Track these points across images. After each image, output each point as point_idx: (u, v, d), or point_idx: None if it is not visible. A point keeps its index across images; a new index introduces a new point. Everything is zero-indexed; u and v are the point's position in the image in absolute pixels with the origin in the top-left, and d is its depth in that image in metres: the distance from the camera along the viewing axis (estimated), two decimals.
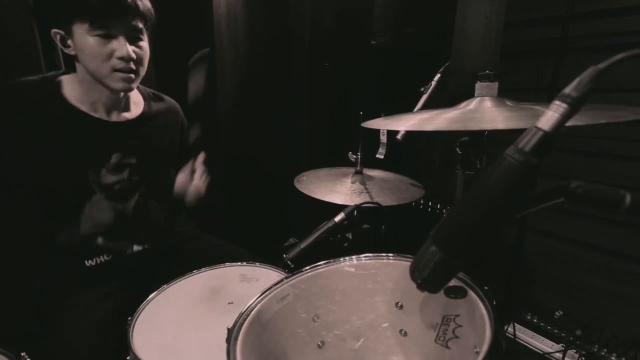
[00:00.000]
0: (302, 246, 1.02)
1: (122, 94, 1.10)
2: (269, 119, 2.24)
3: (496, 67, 1.75)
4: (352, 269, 0.88)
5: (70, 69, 1.23)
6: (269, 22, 2.15)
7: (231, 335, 0.66)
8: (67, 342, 0.97)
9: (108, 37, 0.94)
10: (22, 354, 0.92)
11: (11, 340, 0.96)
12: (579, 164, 1.53)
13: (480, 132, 0.94)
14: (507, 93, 0.92)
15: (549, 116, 0.44)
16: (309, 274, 0.84)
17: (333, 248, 1.24)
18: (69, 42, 0.96)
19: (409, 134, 1.26)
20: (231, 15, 2.00)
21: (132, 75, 1.01)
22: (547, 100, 1.46)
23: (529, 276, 1.73)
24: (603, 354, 1.43)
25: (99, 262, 1.13)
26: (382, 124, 0.96)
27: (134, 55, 0.99)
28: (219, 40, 1.97)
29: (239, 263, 1.24)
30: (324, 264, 0.88)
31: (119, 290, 1.11)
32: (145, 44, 1.03)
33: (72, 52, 0.98)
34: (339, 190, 1.30)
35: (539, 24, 1.61)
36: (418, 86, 1.43)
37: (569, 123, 0.44)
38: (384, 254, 0.86)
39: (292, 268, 1.06)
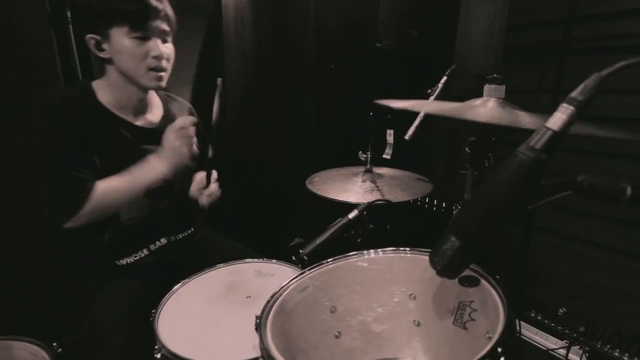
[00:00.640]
0: (317, 242, 1.06)
1: (147, 96, 1.19)
2: (275, 120, 2.28)
3: (499, 68, 1.80)
4: (366, 264, 0.93)
5: (88, 76, 1.34)
6: (275, 24, 2.20)
7: (260, 321, 0.71)
8: (98, 336, 1.03)
9: (144, 38, 1.04)
10: (54, 344, 0.98)
11: (45, 333, 1.02)
12: (584, 163, 1.55)
13: (488, 132, 0.99)
14: (511, 94, 0.96)
15: (557, 117, 0.50)
16: (330, 266, 0.90)
17: (344, 245, 1.28)
18: (104, 45, 1.04)
19: (415, 134, 1.30)
20: (238, 18, 2.05)
21: (164, 74, 1.11)
22: (550, 101, 1.51)
23: (533, 274, 1.76)
24: (606, 350, 1.45)
25: (129, 261, 1.19)
26: (394, 104, 0.99)
27: (166, 55, 1.09)
28: (227, 42, 2.03)
29: (254, 259, 1.29)
30: (342, 257, 0.93)
31: (144, 285, 1.16)
32: (171, 45, 1.13)
33: (107, 55, 1.05)
34: (350, 189, 1.36)
35: (541, 26, 1.64)
36: (422, 88, 1.47)
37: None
38: (400, 248, 0.91)
39: (307, 263, 1.10)
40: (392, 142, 1.62)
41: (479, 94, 1.01)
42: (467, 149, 0.96)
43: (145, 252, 1.21)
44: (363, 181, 1.42)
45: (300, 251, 1.06)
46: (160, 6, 1.05)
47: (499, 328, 0.58)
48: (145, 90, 1.15)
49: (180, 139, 1.09)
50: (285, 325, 0.77)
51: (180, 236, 1.31)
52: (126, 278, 1.16)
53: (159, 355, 0.89)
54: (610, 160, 1.50)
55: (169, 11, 1.09)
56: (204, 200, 1.20)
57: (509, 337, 0.58)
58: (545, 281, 1.75)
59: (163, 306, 1.05)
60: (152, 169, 1.09)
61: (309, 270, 0.89)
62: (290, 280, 0.85)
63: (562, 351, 1.56)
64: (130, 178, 1.09)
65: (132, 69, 1.06)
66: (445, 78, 1.42)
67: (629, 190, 0.45)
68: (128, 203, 1.12)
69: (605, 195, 0.47)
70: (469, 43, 1.92)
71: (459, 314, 0.76)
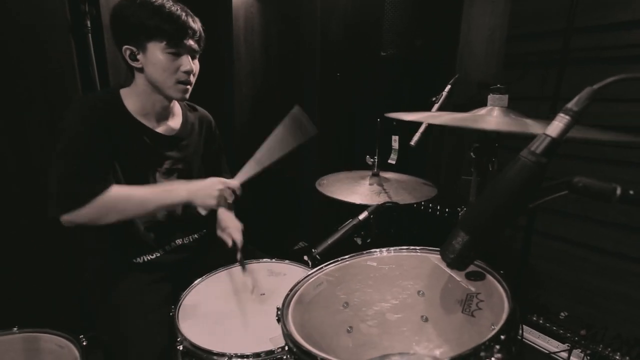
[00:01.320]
0: (329, 241, 1.12)
1: (170, 104, 1.26)
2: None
3: (500, 77, 1.86)
4: (374, 263, 0.99)
5: (105, 84, 1.42)
6: (283, 33, 2.27)
7: (282, 312, 0.76)
8: (121, 330, 1.09)
9: (177, 54, 1.12)
10: (81, 336, 1.03)
11: (71, 327, 1.07)
12: (581, 169, 1.58)
13: (491, 139, 1.05)
14: (511, 102, 1.01)
15: (555, 125, 0.56)
16: (346, 262, 0.96)
17: (346, 246, 1.33)
18: (139, 56, 1.11)
19: (420, 140, 1.36)
20: (248, 27, 2.13)
21: (190, 87, 1.19)
22: (550, 109, 1.56)
23: (534, 278, 1.78)
24: (607, 352, 1.47)
25: (146, 259, 1.24)
26: (404, 116, 1.05)
27: (194, 71, 1.17)
28: (237, 51, 2.10)
29: (266, 259, 1.35)
30: (354, 255, 0.98)
31: (162, 282, 1.22)
32: (197, 61, 1.20)
33: (139, 65, 1.12)
34: (358, 191, 1.41)
35: (541, 36, 1.70)
36: (425, 95, 1.53)
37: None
38: (411, 247, 0.97)
39: (318, 262, 1.15)
40: (397, 147, 1.68)
41: (480, 102, 1.07)
42: (472, 154, 1.02)
43: (161, 252, 1.27)
44: (370, 184, 1.48)
45: (313, 250, 1.12)
46: (195, 27, 1.13)
47: (504, 316, 0.63)
48: (170, 99, 1.22)
49: (221, 190, 1.14)
50: (305, 316, 0.83)
51: (195, 236, 1.37)
52: (144, 275, 1.21)
53: (181, 347, 0.94)
54: (606, 165, 1.53)
55: (202, 32, 1.17)
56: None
57: (512, 327, 0.64)
58: (546, 285, 1.76)
59: (182, 302, 1.11)
60: (174, 193, 1.13)
61: (322, 267, 0.94)
62: (306, 277, 0.91)
63: (564, 354, 1.58)
64: (148, 192, 1.13)
65: (162, 80, 1.13)
66: (449, 87, 1.48)
67: (618, 191, 0.52)
68: (137, 215, 1.17)
69: (598, 195, 0.53)
70: (471, 52, 1.97)
71: (467, 304, 0.81)
